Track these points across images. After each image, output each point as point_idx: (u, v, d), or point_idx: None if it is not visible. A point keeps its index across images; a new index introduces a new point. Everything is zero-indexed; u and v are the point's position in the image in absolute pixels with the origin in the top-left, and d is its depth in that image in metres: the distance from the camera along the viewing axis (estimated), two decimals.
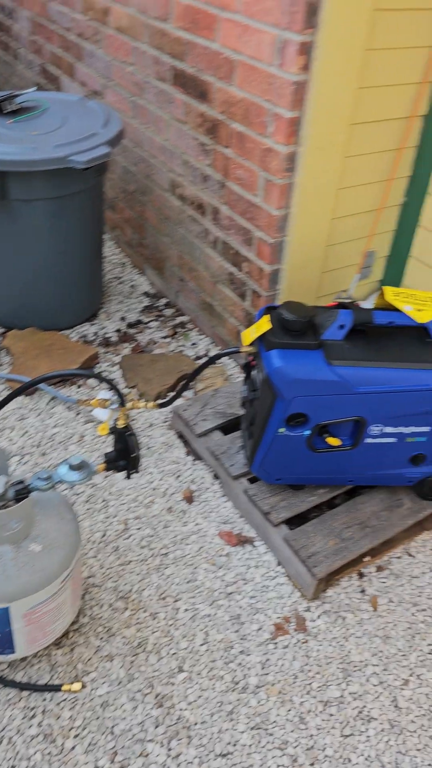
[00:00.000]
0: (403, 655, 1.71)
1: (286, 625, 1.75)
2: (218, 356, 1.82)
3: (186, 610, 1.76)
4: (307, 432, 1.72)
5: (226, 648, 1.68)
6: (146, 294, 2.97)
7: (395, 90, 2.08)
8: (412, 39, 2.00)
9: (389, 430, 1.74)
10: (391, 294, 1.72)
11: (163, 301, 2.93)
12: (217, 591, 1.81)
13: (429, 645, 1.74)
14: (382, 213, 2.36)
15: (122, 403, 1.46)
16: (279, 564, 1.88)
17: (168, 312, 2.86)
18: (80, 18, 2.92)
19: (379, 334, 1.73)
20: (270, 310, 1.75)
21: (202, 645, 1.68)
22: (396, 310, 1.70)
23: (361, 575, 1.88)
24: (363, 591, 1.85)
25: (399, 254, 2.48)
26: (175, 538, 1.94)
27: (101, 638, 1.67)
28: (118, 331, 2.73)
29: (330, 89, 1.90)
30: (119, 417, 1.48)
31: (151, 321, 2.80)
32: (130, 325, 2.76)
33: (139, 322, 2.79)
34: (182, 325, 2.79)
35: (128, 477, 1.56)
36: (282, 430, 1.72)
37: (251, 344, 1.76)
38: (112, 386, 1.42)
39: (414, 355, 1.68)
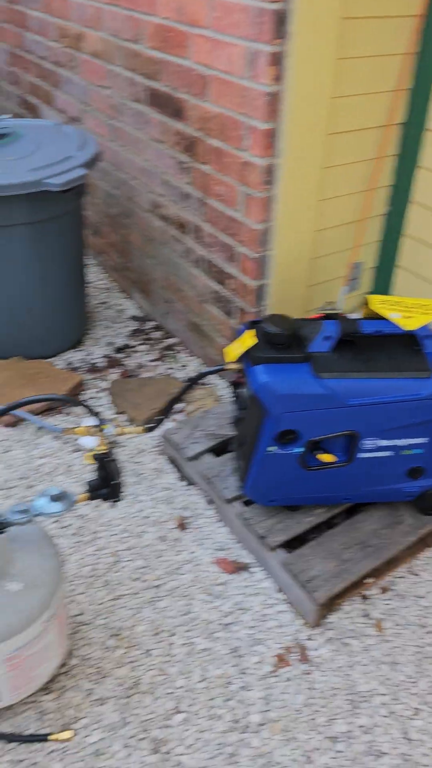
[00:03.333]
0: (413, 682, 1.61)
1: (288, 656, 1.65)
2: (202, 375, 1.76)
3: (182, 644, 1.66)
4: (299, 449, 1.65)
5: (225, 684, 1.59)
6: (134, 318, 2.92)
7: (370, 98, 2.05)
8: (384, 47, 1.97)
9: (384, 443, 1.66)
10: (376, 302, 1.66)
11: (151, 324, 2.88)
12: (215, 622, 1.71)
13: None
14: (365, 223, 2.31)
15: (101, 428, 1.39)
16: (278, 590, 1.79)
17: (156, 335, 2.80)
18: (55, 46, 2.92)
19: (367, 343, 1.66)
20: (254, 324, 1.69)
21: (199, 682, 1.59)
22: (383, 318, 1.64)
23: (364, 598, 1.79)
24: (367, 615, 1.75)
25: (386, 264, 2.43)
26: (168, 568, 1.85)
27: (92, 680, 1.58)
28: (105, 356, 2.66)
29: (304, 99, 1.86)
30: (99, 442, 1.41)
31: (139, 345, 2.74)
32: (118, 350, 2.70)
33: (126, 346, 2.73)
34: (171, 347, 2.73)
35: (112, 505, 1.48)
36: (272, 448, 1.64)
37: (238, 361, 1.69)
38: (89, 409, 1.36)
39: (404, 363, 1.61)
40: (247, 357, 1.63)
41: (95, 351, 2.69)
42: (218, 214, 2.20)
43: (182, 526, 1.96)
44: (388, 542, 1.78)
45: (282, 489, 1.75)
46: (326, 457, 1.66)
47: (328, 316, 1.67)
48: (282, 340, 1.59)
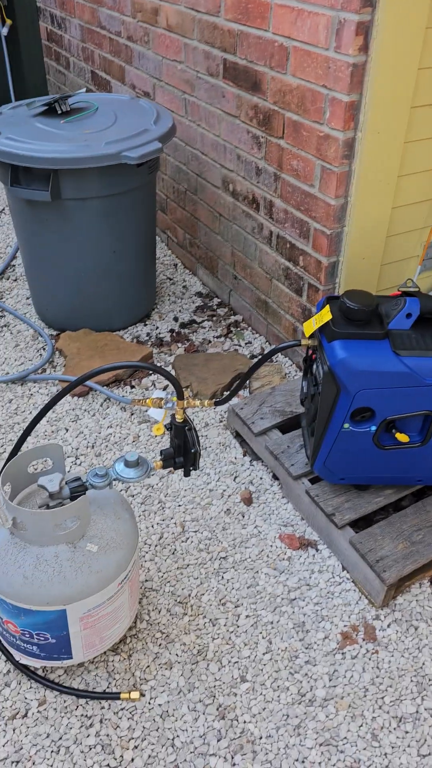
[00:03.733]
0: None
1: (354, 635, 1.64)
2: (275, 350, 1.74)
3: (247, 616, 1.68)
4: (374, 428, 1.63)
5: (290, 657, 1.59)
6: (199, 294, 2.92)
7: None
8: None
9: None
10: None
11: (216, 300, 2.87)
12: (280, 597, 1.72)
13: None
14: None
15: (180, 396, 1.40)
16: (344, 569, 1.78)
17: (221, 311, 2.80)
18: (130, 21, 2.91)
19: None
20: (331, 300, 1.66)
21: (265, 654, 1.60)
22: None
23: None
24: None
25: None
26: (234, 541, 1.86)
27: (159, 645, 1.61)
28: (171, 331, 2.68)
29: (390, 71, 1.81)
30: (177, 411, 1.42)
31: (204, 321, 2.75)
32: (183, 325, 2.71)
33: (192, 321, 2.74)
34: (236, 324, 2.72)
35: (187, 474, 1.49)
36: (347, 426, 1.62)
37: (311, 337, 1.67)
38: (170, 377, 1.36)
39: None
40: (323, 333, 1.61)
41: (162, 326, 2.71)
42: (293, 189, 2.17)
43: (248, 501, 1.96)
44: None
45: (353, 467, 1.73)
46: (401, 437, 1.63)
47: (406, 294, 1.63)
48: (361, 316, 1.56)
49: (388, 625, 1.66)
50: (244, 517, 1.93)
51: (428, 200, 2.21)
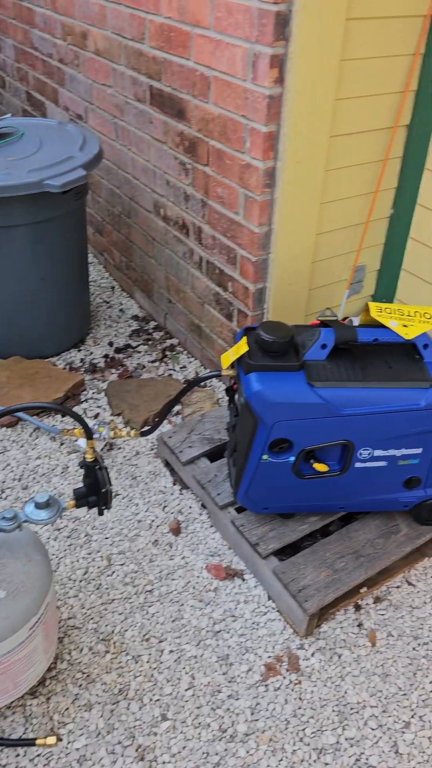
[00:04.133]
0: (404, 695, 1.60)
1: (278, 665, 1.64)
2: (199, 380, 1.74)
3: (171, 651, 1.66)
4: (292, 458, 1.63)
5: (213, 692, 1.58)
6: (135, 317, 2.90)
7: (375, 100, 2.01)
8: (390, 47, 1.94)
9: (379, 453, 1.64)
10: (375, 310, 1.63)
11: (153, 324, 2.86)
12: (205, 629, 1.71)
13: (431, 682, 1.62)
14: (369, 226, 2.28)
15: (89, 436, 1.38)
16: (270, 599, 1.78)
17: (157, 335, 2.79)
18: (60, 43, 2.90)
19: (364, 352, 1.64)
20: (249, 331, 1.67)
21: (187, 690, 1.58)
22: (382, 326, 1.62)
23: (357, 608, 1.77)
24: (360, 625, 1.74)
25: (390, 268, 2.40)
26: (160, 573, 1.84)
27: (80, 685, 1.57)
28: (105, 356, 2.66)
29: (306, 102, 1.83)
30: (87, 450, 1.40)
31: (140, 345, 2.73)
32: (118, 350, 2.69)
33: (127, 346, 2.72)
34: (171, 348, 2.72)
35: (100, 513, 1.47)
36: (265, 457, 1.63)
37: (232, 367, 1.68)
38: (78, 419, 1.34)
39: (402, 372, 1.59)
40: (241, 364, 1.61)
41: (96, 351, 2.69)
42: (219, 216, 2.18)
43: (176, 531, 1.95)
44: (382, 552, 1.76)
45: (275, 497, 1.73)
46: (320, 467, 1.64)
47: (324, 324, 1.65)
48: (276, 348, 1.57)
49: (312, 654, 1.66)
50: (171, 547, 1.91)
51: (353, 225, 2.24)
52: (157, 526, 1.97)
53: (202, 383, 2.44)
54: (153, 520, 1.99)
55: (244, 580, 1.82)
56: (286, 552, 1.85)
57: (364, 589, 1.79)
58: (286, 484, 1.69)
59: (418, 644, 1.70)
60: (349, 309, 2.48)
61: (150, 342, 2.75)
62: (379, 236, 2.36)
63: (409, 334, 1.59)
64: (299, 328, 1.70)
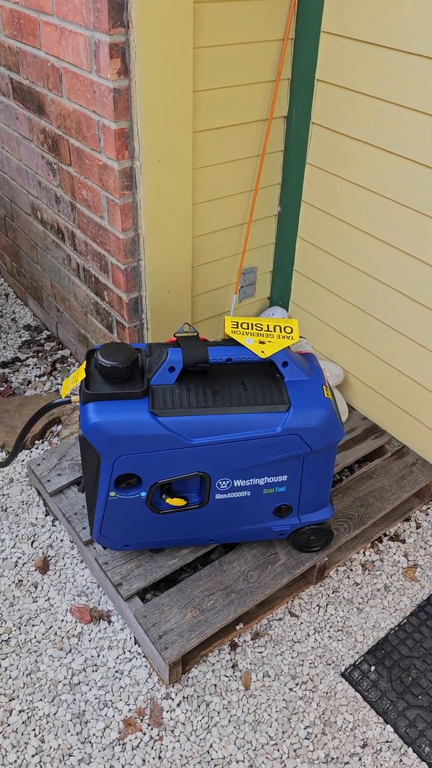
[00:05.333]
0: (275, 745, 1.47)
1: (139, 720, 1.49)
2: (48, 407, 1.57)
3: (21, 711, 1.50)
4: (143, 493, 1.48)
5: (63, 756, 1.43)
6: (27, 327, 2.71)
7: (244, 90, 1.85)
8: (255, 32, 1.77)
9: (240, 483, 1.50)
10: (230, 326, 1.48)
11: (45, 334, 2.68)
12: (62, 683, 1.55)
13: (306, 728, 1.50)
14: (256, 225, 2.13)
15: None
16: (136, 642, 1.63)
17: (48, 346, 2.61)
18: None
19: (220, 373, 1.49)
20: (92, 354, 1.50)
21: (34, 756, 1.43)
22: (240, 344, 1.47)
23: (233, 646, 1.64)
24: (234, 666, 1.60)
25: (283, 269, 2.26)
26: (20, 619, 1.68)
27: None
28: None
29: (158, 95, 1.66)
30: None
31: (29, 357, 2.55)
32: (4, 364, 2.51)
33: (15, 359, 2.54)
34: (63, 359, 2.54)
35: None
36: (113, 494, 1.47)
37: (74, 393, 1.51)
38: None
39: (258, 395, 1.44)
40: (81, 392, 1.45)
41: None
42: (87, 220, 2.00)
43: (43, 569, 1.79)
44: (255, 586, 1.62)
45: (134, 533, 1.58)
46: (175, 501, 1.49)
47: (179, 342, 1.49)
48: (117, 374, 1.41)
49: (178, 704, 1.52)
50: (36, 588, 1.75)
51: (236, 225, 2.09)
52: (23, 564, 1.81)
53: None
54: (19, 558, 1.82)
55: (110, 622, 1.67)
56: (162, 587, 1.70)
57: (240, 626, 1.66)
58: (142, 520, 1.54)
59: (296, 684, 1.58)
60: (244, 313, 2.33)
61: (40, 354, 2.57)
62: (268, 235, 2.21)
63: (265, 351, 1.44)
64: (154, 347, 1.54)
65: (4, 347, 2.60)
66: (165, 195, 1.82)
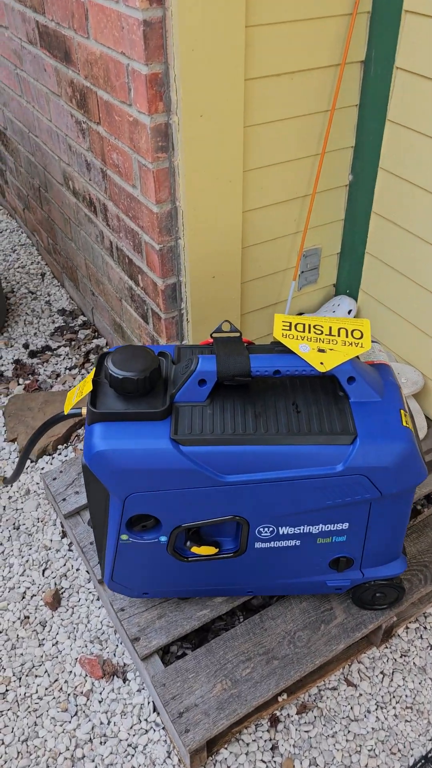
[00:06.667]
0: None
1: None
2: (51, 422, 1.28)
3: None
4: (164, 538, 1.17)
5: None
6: (62, 311, 2.44)
7: (313, 26, 1.47)
8: None
9: (287, 531, 1.17)
10: (279, 327, 1.14)
11: (81, 319, 2.40)
12: (62, 755, 1.28)
13: None
14: (321, 197, 1.76)
15: None
16: (155, 710, 1.34)
17: (83, 334, 2.33)
18: None
19: (265, 387, 1.16)
20: (105, 358, 1.19)
21: None
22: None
23: (274, 721, 1.33)
24: (274, 748, 1.29)
25: (353, 251, 1.88)
26: (22, 666, 1.42)
27: None
28: (16, 361, 2.21)
29: (201, 29, 1.31)
30: None
31: (61, 346, 2.28)
32: (33, 353, 2.24)
33: (46, 348, 2.27)
34: (97, 349, 2.25)
35: None
36: (125, 537, 1.17)
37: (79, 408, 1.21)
38: None
39: (314, 421, 1.10)
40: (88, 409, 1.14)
41: (7, 354, 2.24)
42: (119, 190, 1.68)
43: (53, 605, 1.52)
44: (305, 652, 1.30)
45: (153, 582, 1.28)
46: (204, 550, 1.17)
47: (214, 347, 1.16)
48: (132, 388, 1.09)
49: None
50: (44, 628, 1.48)
51: (297, 198, 1.72)
52: (32, 597, 1.54)
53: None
54: (28, 588, 1.56)
55: (126, 681, 1.39)
56: (190, 637, 1.41)
57: (283, 696, 1.34)
58: (164, 567, 1.23)
59: None
60: (305, 303, 1.97)
61: (73, 342, 2.29)
62: (336, 211, 1.83)
63: (326, 363, 1.09)
64: (184, 351, 1.22)
65: (35, 333, 2.33)
66: (209, 159, 1.48)
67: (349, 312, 1.93)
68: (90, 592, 1.54)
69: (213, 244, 1.62)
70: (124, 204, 1.68)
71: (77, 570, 1.59)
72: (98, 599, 1.52)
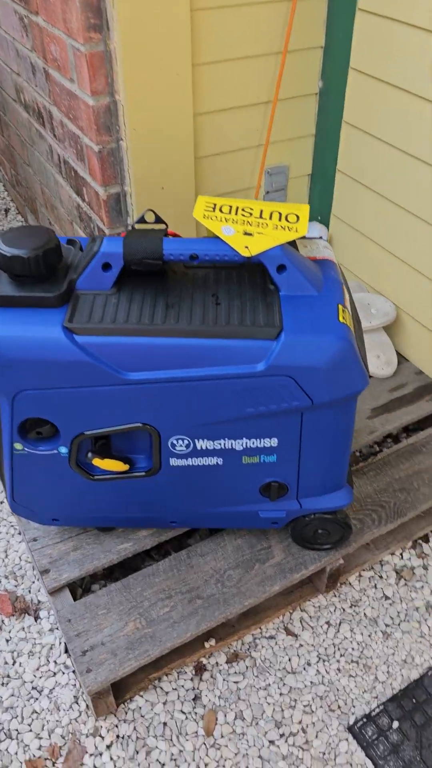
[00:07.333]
0: None
1: (49, 764, 1.07)
2: None
3: None
4: (64, 449, 1.02)
5: None
6: None
7: None
8: None
9: (206, 445, 1.01)
10: (201, 208, 0.98)
11: None
12: None
13: None
14: (286, 105, 1.58)
15: None
16: (67, 651, 1.20)
17: None
18: None
19: (185, 279, 1.00)
20: None
21: None
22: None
23: (200, 669, 1.18)
24: (196, 698, 1.15)
25: (323, 171, 1.70)
26: None
27: None
28: None
29: None
30: None
31: None
32: None
33: None
34: None
35: None
36: (19, 446, 1.02)
37: None
38: None
39: (236, 313, 0.94)
40: None
41: None
42: (60, 89, 1.52)
43: None
44: (233, 592, 1.15)
45: (60, 505, 1.13)
46: (110, 464, 1.02)
47: (129, 233, 1.00)
48: (22, 268, 0.93)
49: (108, 746, 1.09)
50: None
51: (260, 104, 1.55)
52: None
53: None
54: None
55: (37, 619, 1.25)
56: (116, 576, 1.26)
57: (211, 642, 1.19)
58: (71, 487, 1.08)
59: (281, 734, 1.11)
60: None
61: None
62: (306, 123, 1.66)
63: (251, 247, 0.93)
64: (98, 239, 1.05)
65: None
66: (151, 44, 1.31)
67: (320, 239, 1.75)
68: (12, 526, 1.40)
69: (160, 148, 1.45)
70: (65, 105, 1.52)
71: (1, 502, 1.45)
72: (20, 534, 1.38)
